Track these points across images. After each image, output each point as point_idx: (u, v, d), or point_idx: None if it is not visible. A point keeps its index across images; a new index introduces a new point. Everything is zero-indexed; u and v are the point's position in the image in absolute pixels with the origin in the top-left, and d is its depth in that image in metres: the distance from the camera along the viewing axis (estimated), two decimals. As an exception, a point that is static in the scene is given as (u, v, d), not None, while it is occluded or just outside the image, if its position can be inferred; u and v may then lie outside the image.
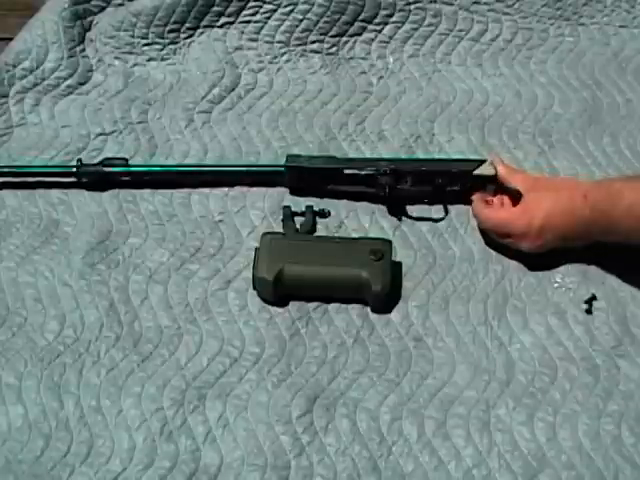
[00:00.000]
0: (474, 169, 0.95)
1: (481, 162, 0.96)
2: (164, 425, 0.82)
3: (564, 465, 0.80)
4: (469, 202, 0.96)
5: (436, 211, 0.98)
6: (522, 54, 1.15)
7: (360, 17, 1.15)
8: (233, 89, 1.11)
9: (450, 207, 0.98)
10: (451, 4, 1.16)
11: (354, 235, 0.96)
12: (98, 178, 0.99)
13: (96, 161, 1.01)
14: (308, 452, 0.80)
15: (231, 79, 1.11)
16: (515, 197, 0.92)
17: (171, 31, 1.13)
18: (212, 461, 0.80)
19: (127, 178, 0.99)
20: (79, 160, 0.99)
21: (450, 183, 0.96)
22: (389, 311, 0.90)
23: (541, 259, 0.93)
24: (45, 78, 1.09)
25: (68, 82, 1.10)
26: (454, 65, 1.14)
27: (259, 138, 1.06)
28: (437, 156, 1.04)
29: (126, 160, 1.00)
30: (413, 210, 0.98)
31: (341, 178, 0.97)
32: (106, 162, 0.99)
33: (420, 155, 1.04)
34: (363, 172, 0.96)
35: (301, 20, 1.14)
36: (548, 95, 1.10)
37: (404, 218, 0.97)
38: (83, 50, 1.12)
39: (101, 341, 0.87)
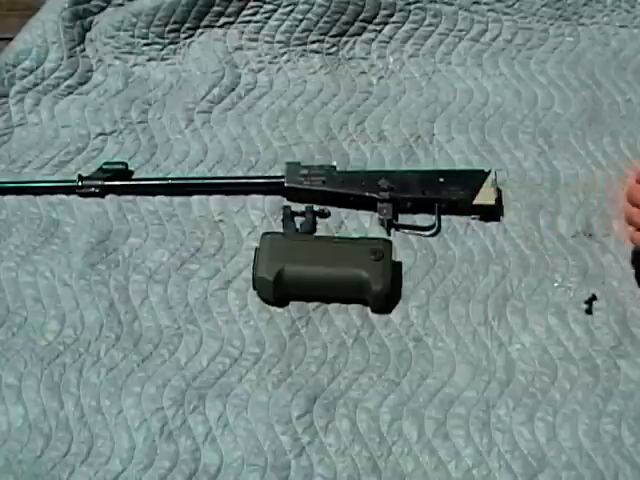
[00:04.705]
0: (473, 198, 0.96)
1: (486, 173, 0.97)
2: (164, 425, 0.82)
3: (564, 465, 0.80)
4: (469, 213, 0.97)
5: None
6: (522, 54, 1.15)
7: (360, 17, 1.14)
8: (233, 89, 1.11)
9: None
10: (451, 4, 1.16)
11: (354, 235, 0.96)
12: (100, 191, 0.99)
13: (96, 161, 1.02)
14: (308, 452, 0.80)
15: (231, 79, 1.11)
16: None
17: (171, 31, 1.13)
18: (212, 461, 0.80)
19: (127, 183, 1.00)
20: (79, 176, 0.99)
21: (450, 209, 0.97)
22: (389, 311, 0.90)
23: (541, 259, 0.93)
24: (45, 78, 1.09)
25: (68, 82, 1.09)
26: (454, 65, 1.14)
27: (259, 138, 1.06)
28: (437, 157, 1.04)
29: (126, 165, 1.00)
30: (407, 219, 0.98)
31: (340, 198, 0.98)
32: (105, 166, 0.99)
33: (421, 158, 1.03)
34: (363, 195, 0.97)
35: (301, 20, 1.14)
36: (548, 95, 1.10)
37: (401, 218, 0.97)
38: (83, 50, 1.12)
39: (101, 341, 0.87)
